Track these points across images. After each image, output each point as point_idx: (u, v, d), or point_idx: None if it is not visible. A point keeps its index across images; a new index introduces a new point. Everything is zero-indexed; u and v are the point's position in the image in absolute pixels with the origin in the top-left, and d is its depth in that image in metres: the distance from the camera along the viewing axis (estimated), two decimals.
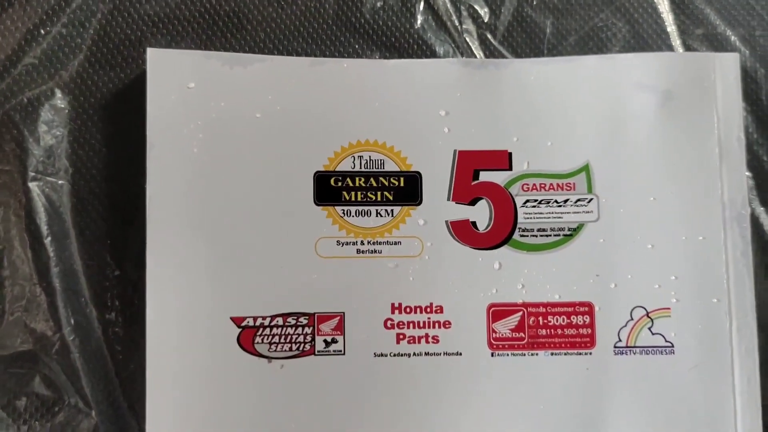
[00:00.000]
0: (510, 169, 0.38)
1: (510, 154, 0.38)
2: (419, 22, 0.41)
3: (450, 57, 0.41)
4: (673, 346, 0.37)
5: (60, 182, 0.37)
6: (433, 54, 0.41)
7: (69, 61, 0.38)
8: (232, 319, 0.36)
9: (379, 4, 0.41)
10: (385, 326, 0.37)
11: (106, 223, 0.37)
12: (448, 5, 0.41)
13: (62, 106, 0.37)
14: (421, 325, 0.37)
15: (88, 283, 0.37)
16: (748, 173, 0.39)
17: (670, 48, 0.42)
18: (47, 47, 0.38)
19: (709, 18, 0.42)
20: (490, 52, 0.41)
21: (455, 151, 0.38)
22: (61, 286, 0.36)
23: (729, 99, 0.39)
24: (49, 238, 0.36)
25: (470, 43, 0.41)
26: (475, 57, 0.41)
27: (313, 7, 0.41)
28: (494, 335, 0.37)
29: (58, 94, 0.37)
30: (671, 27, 0.42)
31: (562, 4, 0.42)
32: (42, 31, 0.38)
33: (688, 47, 0.42)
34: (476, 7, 0.42)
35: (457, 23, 0.41)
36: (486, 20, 0.41)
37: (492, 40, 0.41)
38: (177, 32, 0.39)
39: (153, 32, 0.39)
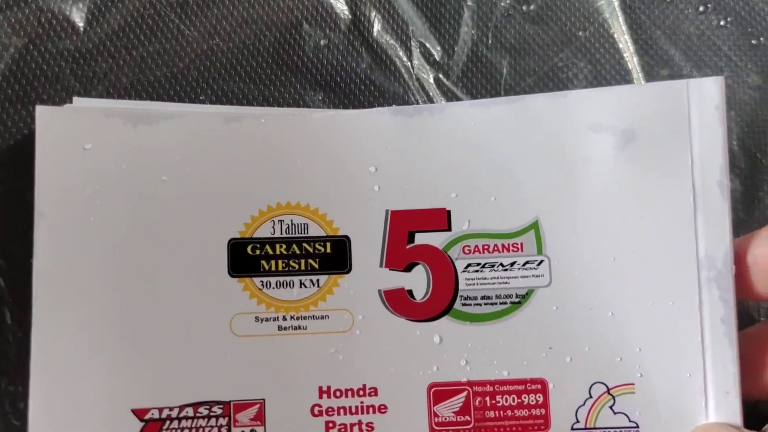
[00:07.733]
0: (449, 229, 0.34)
1: (449, 212, 0.34)
2: (366, 61, 0.38)
3: (400, 98, 0.38)
4: (638, 427, 0.33)
5: None
6: (381, 95, 0.38)
7: None
8: (133, 411, 0.32)
9: (323, 42, 0.38)
10: (312, 413, 0.33)
11: None
12: (398, 45, 0.38)
13: None
14: (354, 410, 0.33)
15: None
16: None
17: None
18: None
19: (675, 59, 0.39)
20: (443, 93, 0.38)
21: (387, 211, 0.34)
22: None
23: (708, 135, 0.33)
24: None
25: (423, 84, 0.38)
26: (428, 98, 0.38)
27: (251, 45, 0.37)
28: (436, 419, 0.33)
29: None
30: (635, 67, 0.38)
31: (519, 44, 0.39)
32: None
33: None
34: (428, 45, 0.38)
35: (408, 63, 0.38)
36: (438, 59, 0.38)
37: (445, 81, 0.38)
38: (94, 73, 0.35)
39: (62, 68, 0.35)
